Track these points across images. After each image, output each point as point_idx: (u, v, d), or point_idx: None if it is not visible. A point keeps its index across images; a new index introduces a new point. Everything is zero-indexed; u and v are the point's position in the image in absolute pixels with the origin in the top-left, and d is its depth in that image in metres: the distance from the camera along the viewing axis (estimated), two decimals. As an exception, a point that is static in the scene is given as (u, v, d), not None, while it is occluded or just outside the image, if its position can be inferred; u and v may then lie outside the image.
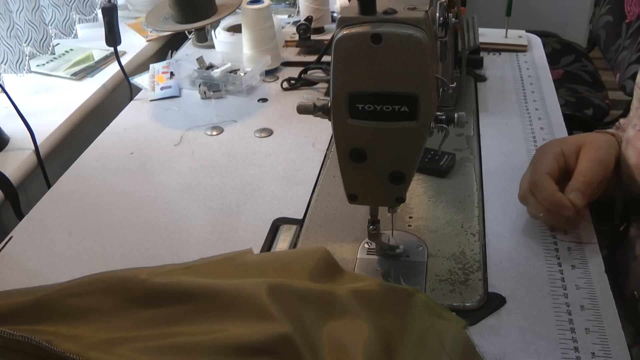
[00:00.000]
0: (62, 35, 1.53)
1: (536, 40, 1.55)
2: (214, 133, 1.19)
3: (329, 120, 0.69)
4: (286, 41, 1.53)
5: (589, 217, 0.92)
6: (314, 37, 1.50)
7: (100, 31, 1.31)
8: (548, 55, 1.49)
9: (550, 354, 0.72)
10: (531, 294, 0.80)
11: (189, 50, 1.57)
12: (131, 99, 1.35)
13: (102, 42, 1.31)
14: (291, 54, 1.50)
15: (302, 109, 0.70)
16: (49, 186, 1.09)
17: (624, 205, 0.94)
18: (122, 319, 0.73)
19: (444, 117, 0.71)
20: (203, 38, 1.53)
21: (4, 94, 1.20)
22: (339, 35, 0.63)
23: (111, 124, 1.24)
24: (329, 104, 0.68)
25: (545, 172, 0.86)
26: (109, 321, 0.73)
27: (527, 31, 1.57)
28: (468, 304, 0.78)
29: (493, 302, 0.79)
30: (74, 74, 1.45)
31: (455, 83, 0.75)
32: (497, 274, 0.83)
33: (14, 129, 1.21)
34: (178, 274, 0.79)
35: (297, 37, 1.50)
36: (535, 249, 0.87)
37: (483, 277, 0.82)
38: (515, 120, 1.19)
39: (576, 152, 0.88)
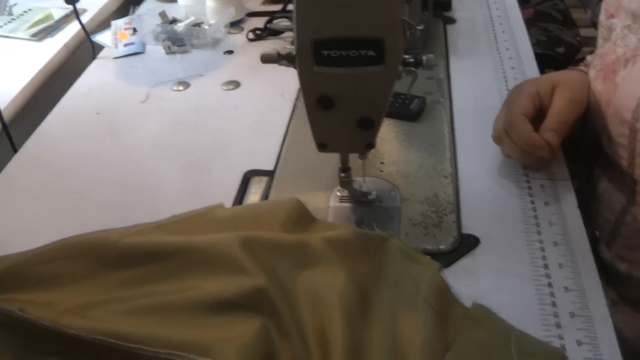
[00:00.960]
0: (19, -6, 1.49)
1: (505, -21, 1.53)
2: (181, 88, 1.17)
3: (295, 68, 0.68)
4: (250, -9, 1.51)
5: (562, 153, 0.92)
6: (279, -15, 1.47)
7: (59, -11, 1.28)
8: (518, -5, 1.47)
9: (525, 290, 0.73)
10: (505, 233, 0.80)
11: (150, 5, 1.53)
12: (94, 57, 1.31)
13: (61, 1, 1.28)
14: (256, 4, 1.47)
15: (265, 58, 0.69)
16: (15, 151, 1.07)
17: (590, 145, 0.95)
18: (95, 282, 0.73)
19: (412, 60, 0.70)
20: (164, -8, 1.50)
21: (-38, 59, 1.17)
22: (301, -20, 0.61)
23: (75, 84, 1.22)
24: (294, 52, 0.67)
25: (521, 113, 0.85)
26: (82, 285, 0.72)
27: (495, -30, 1.55)
28: (442, 247, 0.78)
29: (467, 244, 0.79)
30: (34, 35, 1.41)
31: (422, 25, 0.74)
32: (470, 215, 0.83)
33: (-25, 94, 1.19)
34: (149, 233, 0.78)
35: (261, -14, 1.47)
36: (508, 188, 0.87)
37: (456, 219, 0.82)
38: (486, 61, 1.19)
39: (551, 92, 0.88)
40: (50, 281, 0.72)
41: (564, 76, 0.91)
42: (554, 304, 0.71)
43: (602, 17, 0.93)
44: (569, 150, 0.93)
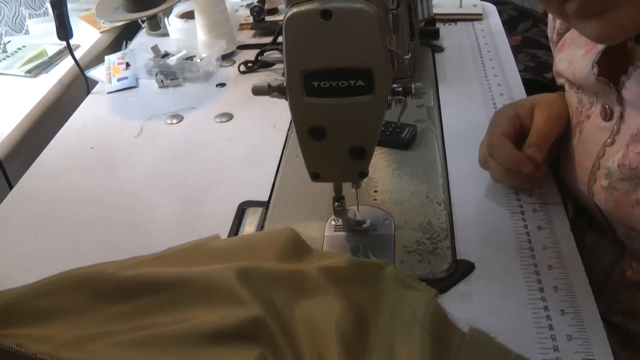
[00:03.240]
0: (13, 32, 1.51)
1: (491, 8, 1.56)
2: (174, 121, 1.18)
3: (286, 100, 0.69)
4: (241, 24, 1.52)
5: (552, 177, 0.93)
6: (268, 18, 1.49)
7: (52, 26, 1.29)
8: (505, 23, 1.50)
9: (521, 314, 0.73)
10: (499, 258, 0.81)
11: (143, 40, 1.55)
12: (88, 92, 1.33)
13: (55, 37, 1.29)
14: (247, 37, 1.49)
15: (257, 91, 0.70)
16: (11, 187, 1.08)
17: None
18: (92, 315, 0.73)
19: (400, 88, 0.71)
20: (156, 26, 1.52)
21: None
22: (289, 13, 0.62)
23: (70, 120, 1.23)
24: (285, 84, 0.68)
25: (501, 134, 0.87)
26: (80, 319, 0.73)
27: (481, 0, 1.58)
28: (437, 273, 0.78)
29: (462, 269, 0.79)
30: (28, 71, 1.43)
31: (410, 54, 0.75)
32: (464, 241, 0.84)
33: (-29, 131, 1.19)
34: (146, 265, 0.78)
35: (251, 20, 1.49)
36: (501, 213, 0.88)
37: (451, 245, 0.82)
38: (475, 88, 1.20)
39: (530, 112, 0.89)
40: (47, 315, 0.72)
41: (542, 97, 0.93)
42: (551, 327, 0.71)
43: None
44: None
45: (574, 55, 0.84)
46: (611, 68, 0.76)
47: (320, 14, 0.61)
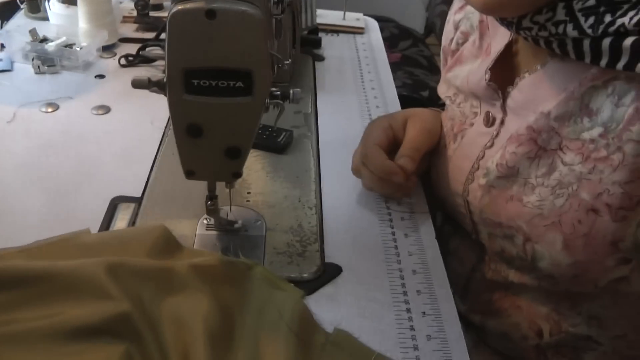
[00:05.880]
0: None
1: (373, 24, 1.61)
2: (50, 110, 1.14)
3: (165, 95, 0.69)
4: (124, 17, 1.49)
5: (421, 187, 0.97)
6: (152, 13, 1.47)
7: None
8: (387, 39, 1.55)
9: (385, 315, 0.76)
10: (366, 262, 0.84)
11: (20, 22, 1.49)
12: (-43, 73, 1.27)
13: None
14: (129, 30, 1.46)
15: (136, 84, 0.70)
16: None
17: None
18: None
19: (279, 93, 0.73)
20: (36, 8, 1.47)
21: None
22: (174, 10, 0.63)
23: None
24: (165, 79, 0.68)
25: (375, 144, 0.90)
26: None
27: (365, 14, 1.62)
28: (305, 275, 0.80)
29: (330, 272, 0.82)
30: None
31: (290, 60, 0.77)
32: (333, 245, 0.86)
33: None
34: (11, 258, 0.76)
35: (135, 13, 1.46)
36: (371, 219, 0.91)
37: (320, 248, 0.85)
38: (352, 98, 1.23)
39: (403, 125, 0.93)
40: None
41: (415, 111, 0.97)
42: (412, 328, 0.75)
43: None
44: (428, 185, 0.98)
45: (472, 67, 0.88)
46: (500, 80, 0.81)
47: (205, 13, 0.62)
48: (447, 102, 0.94)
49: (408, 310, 0.78)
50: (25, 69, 1.28)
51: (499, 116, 0.82)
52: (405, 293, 0.80)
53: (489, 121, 0.83)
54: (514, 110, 0.80)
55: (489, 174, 0.82)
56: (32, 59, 1.26)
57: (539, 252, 0.77)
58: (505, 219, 0.80)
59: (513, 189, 0.79)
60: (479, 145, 0.84)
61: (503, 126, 0.82)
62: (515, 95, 0.79)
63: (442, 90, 0.97)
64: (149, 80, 0.69)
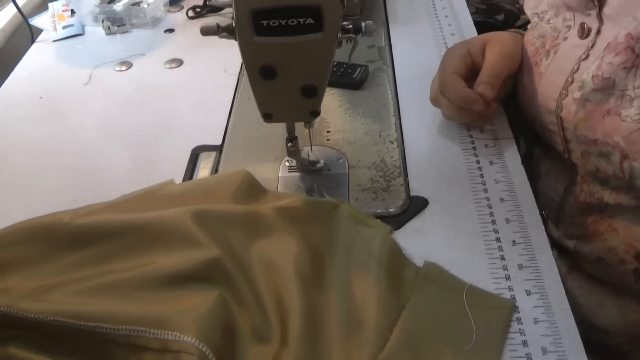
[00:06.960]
0: (-50, -18, 1.45)
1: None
2: (123, 68, 1.16)
3: (235, 40, 0.68)
4: (188, -32, 1.49)
5: (504, 112, 0.94)
6: (216, -39, 1.46)
7: (-10, -27, 1.25)
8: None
9: (474, 246, 0.75)
10: (452, 193, 0.82)
11: (87, -14, 1.51)
12: (33, 41, 1.29)
13: (-6, -16, 1.25)
14: (194, -19, 1.46)
15: (205, 30, 0.69)
16: (-43, 141, 1.05)
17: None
18: (50, 265, 0.72)
19: (350, 26, 0.71)
20: (101, -29, 1.48)
21: None
22: (237, -48, 0.62)
23: (15, 69, 1.19)
24: (233, 24, 0.67)
25: (453, 72, 0.87)
26: (37, 269, 0.72)
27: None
28: (392, 210, 0.80)
29: (416, 205, 0.80)
30: (-31, 22, 1.39)
31: (360, -8, 0.75)
32: (418, 178, 0.85)
33: None
34: (101, 212, 0.78)
35: (199, -37, 1.45)
36: (454, 149, 0.89)
37: (404, 182, 0.83)
38: (426, 27, 1.20)
39: (482, 50, 0.90)
40: (3, 267, 0.71)
41: (494, 35, 0.93)
42: (502, 258, 0.73)
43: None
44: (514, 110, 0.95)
45: None
46: None
47: (269, -49, 0.60)
48: (535, 19, 0.90)
49: (497, 239, 0.76)
50: (96, 32, 1.29)
51: (594, 26, 0.78)
52: (493, 222, 0.78)
53: (584, 32, 0.79)
54: (611, 17, 0.75)
55: (584, 87, 0.78)
56: (102, 21, 1.28)
57: (637, 170, 0.74)
58: (601, 135, 0.77)
59: (610, 102, 0.75)
60: (574, 58, 0.80)
61: (599, 36, 0.77)
62: (613, 2, 0.75)
63: (531, 6, 0.92)
64: (218, 26, 0.69)
